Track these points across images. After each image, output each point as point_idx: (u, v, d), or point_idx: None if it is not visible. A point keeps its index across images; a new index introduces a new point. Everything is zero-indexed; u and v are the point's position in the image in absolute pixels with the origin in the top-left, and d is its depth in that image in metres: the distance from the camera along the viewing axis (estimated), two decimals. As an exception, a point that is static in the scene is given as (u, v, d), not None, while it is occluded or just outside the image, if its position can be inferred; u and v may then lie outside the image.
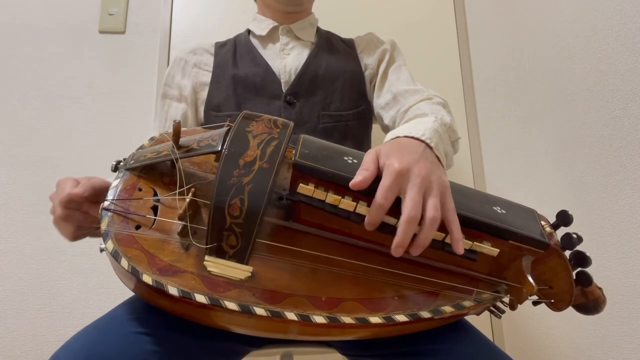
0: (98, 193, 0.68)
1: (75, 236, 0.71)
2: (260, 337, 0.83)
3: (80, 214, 0.68)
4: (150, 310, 0.63)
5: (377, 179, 0.56)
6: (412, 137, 0.63)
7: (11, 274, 1.35)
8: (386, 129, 1.02)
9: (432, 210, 0.53)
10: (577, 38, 1.26)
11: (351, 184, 0.55)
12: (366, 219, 0.54)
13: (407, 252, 0.57)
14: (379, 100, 1.02)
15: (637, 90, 1.07)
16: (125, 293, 0.64)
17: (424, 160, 0.57)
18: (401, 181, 0.54)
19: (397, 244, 0.53)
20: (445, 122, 0.74)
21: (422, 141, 0.62)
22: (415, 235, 0.54)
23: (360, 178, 0.55)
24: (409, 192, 0.53)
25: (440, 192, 0.55)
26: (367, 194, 0.56)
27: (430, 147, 0.62)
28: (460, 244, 0.55)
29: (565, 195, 1.29)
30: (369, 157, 0.57)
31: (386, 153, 0.57)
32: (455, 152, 0.85)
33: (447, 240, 0.57)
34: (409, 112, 0.89)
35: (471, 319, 0.70)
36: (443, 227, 0.56)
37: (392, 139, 0.65)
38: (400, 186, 0.54)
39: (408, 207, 0.52)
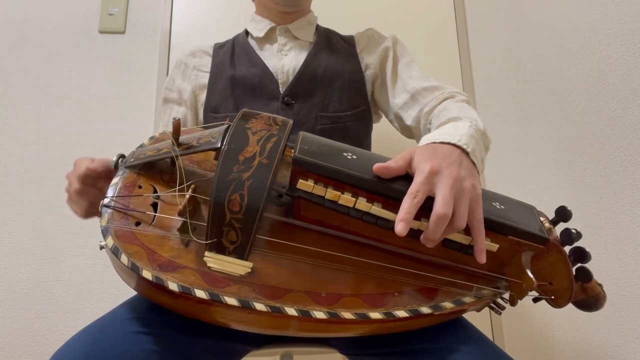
0: (113, 171, 0.71)
1: (87, 213, 0.75)
2: (260, 337, 0.82)
3: (95, 190, 0.73)
4: (150, 310, 0.63)
5: (399, 178, 0.57)
6: (448, 143, 0.63)
7: (11, 274, 1.35)
8: (407, 129, 1.00)
9: (457, 218, 0.54)
10: (577, 38, 1.26)
11: (375, 167, 0.55)
12: (398, 216, 0.53)
13: (413, 249, 0.58)
14: (396, 100, 1.00)
15: (637, 90, 1.08)
16: (125, 293, 0.64)
17: (457, 164, 0.57)
18: (432, 181, 0.54)
19: (426, 238, 0.54)
20: (480, 127, 0.73)
21: (459, 147, 0.62)
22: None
23: (385, 164, 0.56)
24: (440, 191, 0.53)
25: (470, 200, 0.55)
26: (376, 192, 0.56)
27: (467, 153, 0.62)
28: (483, 255, 0.55)
29: (566, 195, 1.29)
30: (402, 154, 0.58)
31: (420, 154, 0.57)
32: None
33: (457, 239, 0.57)
34: (435, 113, 0.87)
35: (471, 318, 0.70)
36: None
37: (427, 143, 0.64)
38: (431, 186, 0.54)
39: (438, 205, 0.52)
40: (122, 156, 0.68)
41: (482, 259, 0.55)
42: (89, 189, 0.73)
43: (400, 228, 0.51)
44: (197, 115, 1.05)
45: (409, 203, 0.52)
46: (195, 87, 1.03)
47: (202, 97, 1.03)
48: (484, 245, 0.55)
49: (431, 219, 0.52)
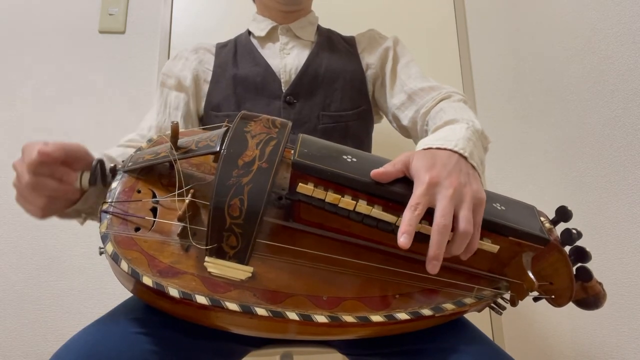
0: (73, 156, 0.62)
1: (46, 210, 0.63)
2: (260, 337, 0.83)
3: (53, 181, 0.60)
4: (150, 311, 0.63)
5: (399, 180, 0.57)
6: (445, 149, 0.62)
7: (11, 274, 1.35)
8: (404, 129, 1.00)
9: (463, 222, 0.53)
10: (577, 38, 1.26)
11: (372, 173, 0.55)
12: (400, 229, 0.52)
13: (414, 251, 0.58)
14: (393, 101, 1.00)
15: (637, 90, 1.07)
16: (125, 293, 0.64)
17: (457, 172, 0.57)
18: (432, 192, 0.54)
19: (432, 257, 0.52)
20: (477, 128, 0.72)
21: (456, 152, 0.62)
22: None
23: (382, 170, 0.56)
24: (440, 203, 0.53)
25: (473, 205, 0.55)
26: (377, 195, 0.56)
27: (465, 157, 0.62)
28: (469, 255, 0.56)
29: (565, 195, 1.29)
30: (400, 157, 0.58)
31: (418, 161, 0.57)
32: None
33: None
34: (432, 115, 0.87)
35: (471, 317, 0.70)
36: None
37: (425, 149, 0.64)
38: (432, 197, 0.54)
39: (438, 216, 0.52)
40: (100, 161, 0.63)
41: (465, 257, 0.56)
42: (45, 180, 0.59)
43: (403, 240, 0.51)
44: (198, 104, 1.03)
45: (409, 215, 0.52)
46: (195, 77, 1.02)
47: (204, 88, 1.02)
48: (475, 246, 0.55)
49: (432, 231, 0.52)
